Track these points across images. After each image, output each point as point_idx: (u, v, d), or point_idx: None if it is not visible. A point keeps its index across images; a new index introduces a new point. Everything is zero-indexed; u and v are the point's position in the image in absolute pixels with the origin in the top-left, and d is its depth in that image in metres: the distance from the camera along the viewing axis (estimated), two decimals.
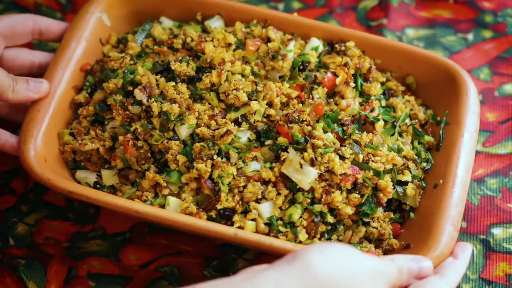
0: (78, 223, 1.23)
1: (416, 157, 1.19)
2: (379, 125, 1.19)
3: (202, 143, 1.14)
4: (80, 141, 1.19)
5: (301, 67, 1.23)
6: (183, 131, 1.15)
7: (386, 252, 1.14)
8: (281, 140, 1.16)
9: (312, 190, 1.13)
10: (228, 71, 1.19)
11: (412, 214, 1.16)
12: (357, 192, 1.14)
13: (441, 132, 1.21)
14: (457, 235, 1.10)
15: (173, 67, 1.20)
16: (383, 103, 1.25)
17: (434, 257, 1.07)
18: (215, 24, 1.29)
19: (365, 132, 1.18)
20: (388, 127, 1.21)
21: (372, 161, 1.15)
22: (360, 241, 1.14)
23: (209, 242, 1.21)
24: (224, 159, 1.14)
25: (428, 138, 1.22)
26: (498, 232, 1.22)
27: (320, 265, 0.92)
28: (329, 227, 1.14)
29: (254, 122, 1.17)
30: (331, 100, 1.22)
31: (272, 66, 1.22)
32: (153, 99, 1.16)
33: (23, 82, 1.18)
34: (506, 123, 1.34)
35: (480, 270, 1.19)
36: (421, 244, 1.10)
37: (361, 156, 1.15)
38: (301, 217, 1.13)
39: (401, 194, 1.16)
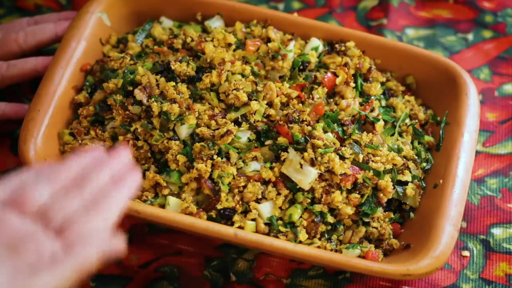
0: None
1: (416, 157, 1.19)
2: (379, 125, 1.19)
3: (202, 143, 1.14)
4: (80, 141, 1.19)
5: (301, 67, 1.23)
6: (183, 131, 1.15)
7: (386, 252, 1.14)
8: (281, 140, 1.16)
9: (312, 190, 1.13)
10: (228, 71, 1.19)
11: (412, 214, 1.16)
12: (357, 192, 1.14)
13: (441, 132, 1.21)
14: (457, 235, 1.10)
15: (173, 67, 1.20)
16: (383, 103, 1.25)
17: (434, 257, 1.07)
18: (215, 24, 1.29)
19: (365, 132, 1.18)
20: (388, 127, 1.21)
21: (372, 161, 1.15)
22: (360, 241, 1.14)
23: (209, 242, 1.21)
24: (224, 159, 1.14)
25: (428, 138, 1.22)
26: (498, 232, 1.22)
27: None
28: (329, 227, 1.14)
29: (254, 122, 1.17)
30: (331, 100, 1.22)
31: (272, 66, 1.23)
32: (153, 99, 1.16)
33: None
34: (506, 123, 1.34)
35: (480, 270, 1.19)
36: (421, 244, 1.10)
37: (361, 156, 1.15)
38: (301, 217, 1.13)
39: (401, 194, 1.16)
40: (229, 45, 1.24)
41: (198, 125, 1.16)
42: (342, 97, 1.21)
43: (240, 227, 1.11)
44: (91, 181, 0.87)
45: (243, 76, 1.20)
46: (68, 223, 0.83)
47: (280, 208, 1.13)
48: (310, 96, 1.19)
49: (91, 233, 0.83)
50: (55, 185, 0.85)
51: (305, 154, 1.13)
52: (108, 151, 0.91)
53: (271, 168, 1.15)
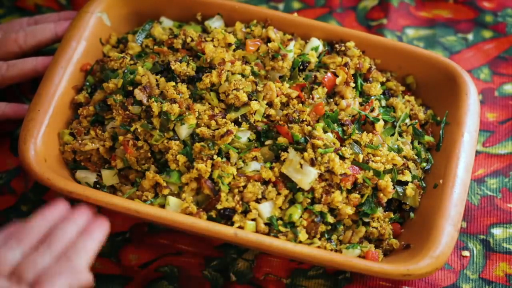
0: None
1: (416, 157, 1.19)
2: (379, 125, 1.19)
3: (202, 143, 1.14)
4: (80, 141, 1.19)
5: (301, 67, 1.23)
6: (183, 131, 1.15)
7: (386, 252, 1.14)
8: (281, 140, 1.16)
9: (312, 190, 1.13)
10: (228, 71, 1.19)
11: (412, 214, 1.16)
12: (357, 192, 1.14)
13: (441, 132, 1.21)
14: (457, 235, 1.10)
15: (173, 67, 1.20)
16: (383, 103, 1.25)
17: (434, 257, 1.07)
18: (215, 24, 1.29)
19: (365, 132, 1.18)
20: (388, 127, 1.21)
21: (372, 161, 1.15)
22: (360, 241, 1.14)
23: (209, 242, 1.21)
24: (224, 159, 1.14)
25: (428, 138, 1.22)
26: (498, 232, 1.22)
27: None
28: (329, 227, 1.14)
29: (254, 122, 1.17)
30: (331, 100, 1.22)
31: (272, 66, 1.23)
32: (153, 99, 1.16)
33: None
34: (506, 123, 1.34)
35: (480, 270, 1.19)
36: (421, 244, 1.10)
37: (361, 156, 1.15)
38: (301, 217, 1.13)
39: (401, 194, 1.16)
40: (229, 45, 1.24)
41: (198, 125, 1.16)
42: (342, 97, 1.21)
43: (240, 227, 1.11)
44: (58, 236, 0.93)
45: (243, 76, 1.20)
46: (41, 277, 0.89)
47: (280, 208, 1.13)
48: (310, 96, 1.20)
49: (63, 284, 0.89)
50: (25, 245, 0.91)
51: (305, 154, 1.13)
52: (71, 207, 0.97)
53: (271, 168, 1.15)
